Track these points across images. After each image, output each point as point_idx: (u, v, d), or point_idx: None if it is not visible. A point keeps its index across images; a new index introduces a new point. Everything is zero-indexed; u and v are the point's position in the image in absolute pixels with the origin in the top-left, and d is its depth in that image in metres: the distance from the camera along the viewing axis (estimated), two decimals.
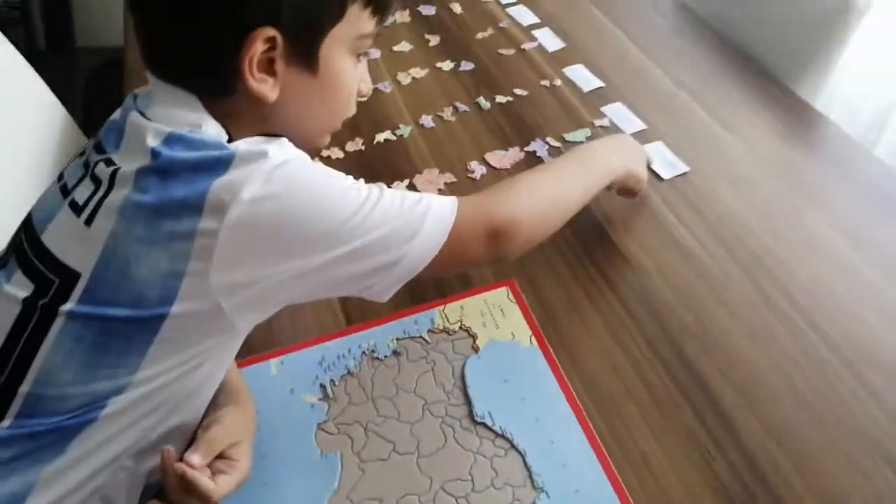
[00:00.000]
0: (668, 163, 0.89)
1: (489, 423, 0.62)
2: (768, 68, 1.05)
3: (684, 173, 0.87)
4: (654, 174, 0.86)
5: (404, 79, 1.08)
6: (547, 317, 0.71)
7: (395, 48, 1.15)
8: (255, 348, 0.67)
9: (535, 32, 1.17)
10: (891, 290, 0.72)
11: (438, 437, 0.62)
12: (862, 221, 0.81)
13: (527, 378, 0.66)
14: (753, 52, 1.08)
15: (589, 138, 0.94)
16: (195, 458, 0.51)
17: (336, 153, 0.94)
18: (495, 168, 0.91)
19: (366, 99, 0.61)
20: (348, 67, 0.57)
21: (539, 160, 0.91)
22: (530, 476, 0.59)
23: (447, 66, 1.10)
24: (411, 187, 0.88)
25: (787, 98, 0.99)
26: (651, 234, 0.80)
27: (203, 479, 0.50)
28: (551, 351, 0.68)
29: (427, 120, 0.99)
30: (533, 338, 0.69)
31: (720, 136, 0.94)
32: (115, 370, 0.50)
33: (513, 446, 0.61)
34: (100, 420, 0.50)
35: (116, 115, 0.56)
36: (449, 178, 0.89)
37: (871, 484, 0.57)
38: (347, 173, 0.55)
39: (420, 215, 0.55)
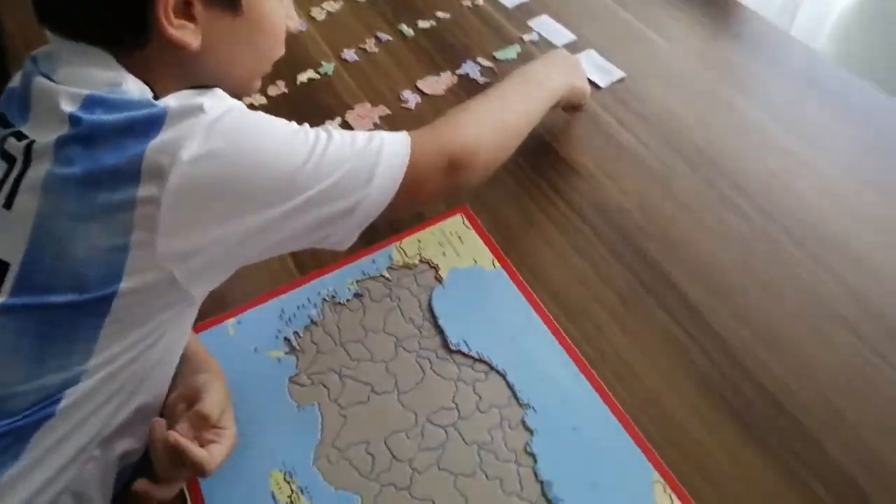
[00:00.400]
0: (603, 70, 0.88)
1: (465, 349, 0.61)
2: None
3: (621, 79, 0.87)
4: (592, 83, 0.85)
5: (319, 14, 1.02)
6: (505, 237, 0.70)
7: None
8: (206, 312, 0.63)
9: None
10: (825, 166, 0.75)
11: (416, 372, 0.61)
12: (790, 104, 0.83)
13: (495, 300, 0.65)
14: None
15: (520, 54, 0.92)
16: (185, 427, 0.49)
17: (259, 99, 0.88)
18: (429, 95, 0.87)
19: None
20: (273, 3, 0.53)
21: (473, 82, 0.88)
22: (514, 394, 0.59)
23: None
24: (344, 125, 0.84)
25: None
26: (596, 142, 0.79)
27: (197, 449, 0.48)
28: (515, 270, 0.67)
29: (350, 54, 0.94)
30: (495, 260, 0.68)
31: (648, 37, 0.93)
32: (66, 360, 0.46)
33: (492, 368, 0.60)
34: (57, 415, 0.46)
35: (15, 81, 0.50)
36: (383, 110, 0.86)
37: (837, 351, 0.60)
38: None
39: (374, 154, 0.52)
